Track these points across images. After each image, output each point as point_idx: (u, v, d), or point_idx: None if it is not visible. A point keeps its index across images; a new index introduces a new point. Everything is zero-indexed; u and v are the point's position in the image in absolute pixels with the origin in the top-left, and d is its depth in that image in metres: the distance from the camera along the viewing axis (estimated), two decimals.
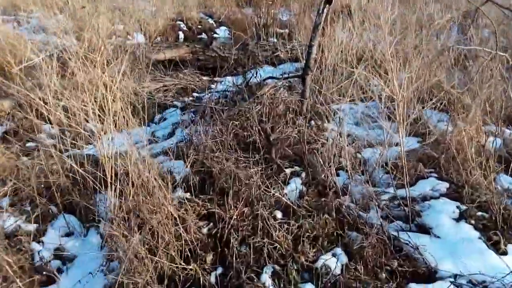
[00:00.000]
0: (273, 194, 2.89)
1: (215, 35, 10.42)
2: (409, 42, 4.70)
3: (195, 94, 5.27)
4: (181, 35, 9.97)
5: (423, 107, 4.46)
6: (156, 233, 2.34)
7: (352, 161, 3.46)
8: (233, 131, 3.57)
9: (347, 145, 3.71)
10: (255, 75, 4.69)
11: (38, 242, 2.81)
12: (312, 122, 4.28)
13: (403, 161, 2.93)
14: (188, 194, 2.94)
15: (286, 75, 4.66)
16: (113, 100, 2.74)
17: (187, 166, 3.31)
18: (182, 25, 9.96)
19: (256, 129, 3.75)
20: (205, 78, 5.74)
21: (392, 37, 4.84)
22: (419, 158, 3.39)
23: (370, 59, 5.44)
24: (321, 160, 3.51)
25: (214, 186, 3.02)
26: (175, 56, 5.63)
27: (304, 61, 4.62)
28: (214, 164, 3.15)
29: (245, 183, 2.99)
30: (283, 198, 2.88)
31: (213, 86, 5.56)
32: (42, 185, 3.08)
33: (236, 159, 3.31)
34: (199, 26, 10.17)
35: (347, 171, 3.40)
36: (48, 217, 2.97)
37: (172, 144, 3.78)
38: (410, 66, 4.15)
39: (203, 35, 10.26)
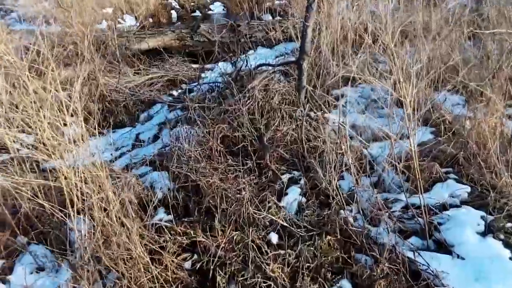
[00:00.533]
0: (266, 215, 2.49)
1: (209, 12, 9.84)
2: (417, 15, 4.16)
3: (184, 86, 4.81)
4: (174, 14, 9.40)
5: (435, 88, 3.98)
6: (127, 279, 1.97)
7: (357, 161, 3.04)
8: (221, 134, 3.14)
9: (351, 140, 3.28)
10: (246, 63, 4.21)
11: (4, 282, 2.46)
12: (312, 114, 3.83)
13: (415, 163, 2.50)
14: (171, 216, 2.55)
15: (279, 62, 4.17)
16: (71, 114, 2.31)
17: (170, 180, 2.92)
18: (174, 3, 9.35)
19: (248, 129, 3.32)
20: (194, 66, 5.27)
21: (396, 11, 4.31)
22: (434, 156, 2.94)
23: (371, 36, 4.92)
24: (322, 162, 3.11)
25: (200, 204, 2.62)
26: (159, 45, 5.14)
27: (299, 44, 4.13)
28: (200, 177, 2.75)
29: (235, 200, 2.59)
30: (278, 220, 2.47)
31: (203, 74, 5.10)
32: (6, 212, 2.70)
33: (225, 168, 2.90)
34: (192, 3, 9.54)
35: (352, 173, 2.99)
36: (14, 251, 2.61)
37: (155, 151, 3.38)
38: (419, 43, 3.65)
39: (197, 13, 9.66)
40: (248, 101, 3.62)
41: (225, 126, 3.17)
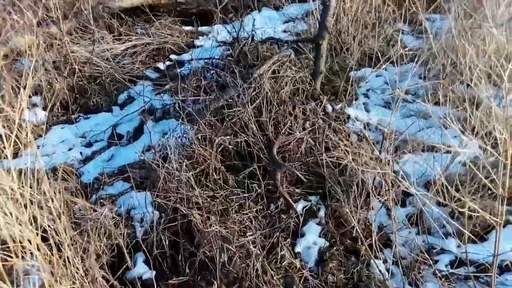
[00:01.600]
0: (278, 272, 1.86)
1: None
2: None
3: (173, 57, 3.97)
4: None
5: None
6: None
7: (390, 186, 2.38)
8: (221, 147, 2.43)
9: (385, 160, 2.60)
10: (250, 38, 3.37)
11: None
12: (329, 107, 3.09)
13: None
14: (153, 272, 1.91)
15: (294, 39, 3.35)
16: None
17: (154, 207, 2.25)
18: None
19: (254, 134, 2.60)
20: (187, 28, 4.37)
21: None
22: None
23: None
24: (345, 184, 2.45)
25: (193, 256, 1.98)
26: (145, 2, 4.20)
27: (319, 16, 3.29)
28: (193, 211, 2.08)
29: (239, 248, 1.95)
30: (295, 277, 1.86)
31: (198, 42, 4.23)
32: None
33: (225, 197, 2.23)
34: None
35: (386, 206, 2.35)
36: None
37: (136, 158, 2.65)
38: None
39: None
40: (254, 92, 2.86)
41: (226, 138, 2.44)
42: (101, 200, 2.30)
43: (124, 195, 2.39)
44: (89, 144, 2.98)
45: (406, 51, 3.60)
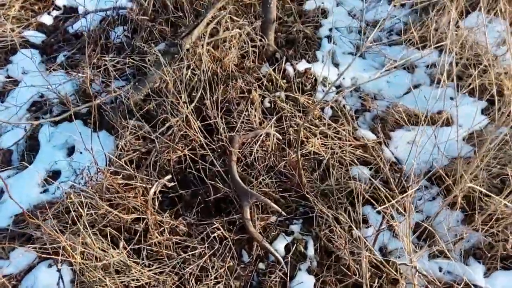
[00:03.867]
0: None
1: None
2: None
3: (60, 3, 2.75)
4: None
5: None
6: None
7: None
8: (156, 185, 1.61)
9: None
10: None
11: None
12: (290, 69, 2.27)
13: None
14: None
15: None
16: None
17: None
18: None
19: (200, 147, 1.78)
20: None
21: None
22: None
23: None
24: (331, 194, 1.80)
25: None
26: None
27: None
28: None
29: None
30: None
31: None
32: None
33: (177, 267, 1.51)
34: None
35: (379, 212, 1.76)
36: None
37: (39, 196, 1.77)
38: None
39: None
40: (187, 71, 1.94)
41: (165, 179, 1.60)
42: None
43: (29, 274, 1.59)
44: None
45: None
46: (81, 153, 1.83)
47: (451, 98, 2.12)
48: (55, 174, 1.86)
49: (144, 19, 2.10)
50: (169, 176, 1.62)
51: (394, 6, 2.66)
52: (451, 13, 2.14)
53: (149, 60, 1.85)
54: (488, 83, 2.08)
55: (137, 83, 1.89)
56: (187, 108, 1.73)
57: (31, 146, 2.06)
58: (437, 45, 2.27)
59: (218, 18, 2.05)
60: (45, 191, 1.83)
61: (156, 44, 2.16)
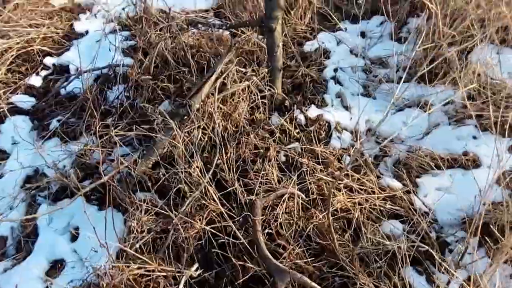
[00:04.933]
0: None
1: None
2: None
3: (49, 62, 2.57)
4: None
5: None
6: None
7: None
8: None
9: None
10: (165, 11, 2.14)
11: None
12: (301, 117, 2.12)
13: None
14: None
15: (233, 23, 2.17)
16: None
17: None
18: None
19: (221, 218, 1.59)
20: (58, 1, 2.89)
21: None
22: None
23: None
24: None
25: None
26: None
27: None
28: None
29: None
30: None
31: (79, 24, 2.82)
32: None
33: None
34: None
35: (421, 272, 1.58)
36: None
37: None
38: None
39: None
40: (198, 133, 1.77)
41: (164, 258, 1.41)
42: None
43: None
44: None
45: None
46: (88, 237, 1.62)
47: (474, 137, 1.99)
48: (58, 263, 1.63)
49: (146, 78, 1.93)
50: (196, 266, 1.42)
51: (398, 42, 2.57)
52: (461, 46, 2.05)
53: (157, 125, 1.66)
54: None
55: (144, 151, 1.70)
56: (204, 176, 1.55)
57: (29, 230, 1.83)
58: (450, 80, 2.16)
59: (226, 72, 1.90)
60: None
61: (160, 103, 1.99)
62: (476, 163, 1.89)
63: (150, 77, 1.94)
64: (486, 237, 1.66)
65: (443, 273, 1.62)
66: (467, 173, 1.84)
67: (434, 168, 1.91)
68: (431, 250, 1.58)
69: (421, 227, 1.71)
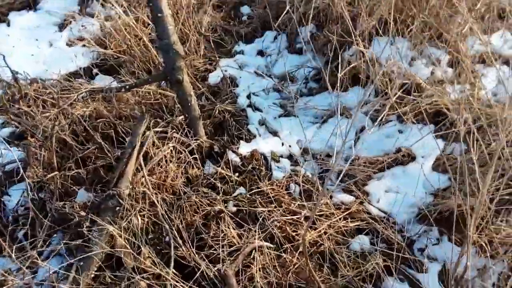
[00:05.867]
0: None
1: None
2: None
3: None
4: None
5: None
6: None
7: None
8: None
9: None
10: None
11: None
12: (232, 156, 1.99)
13: None
14: None
15: (132, 83, 1.92)
16: None
17: None
18: None
19: None
20: None
21: None
22: None
23: None
24: None
25: None
26: None
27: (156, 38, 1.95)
28: None
29: None
30: None
31: None
32: None
33: None
34: None
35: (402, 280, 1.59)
36: None
37: None
38: None
39: None
40: (136, 219, 1.53)
41: None
42: None
43: None
44: None
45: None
46: None
47: (400, 131, 2.07)
48: None
49: (53, 175, 1.61)
50: None
51: (297, 54, 2.58)
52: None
53: (89, 232, 1.39)
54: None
55: (81, 263, 1.41)
56: (167, 274, 1.34)
57: None
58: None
59: (145, 141, 1.67)
60: None
61: (75, 196, 1.69)
62: (411, 157, 1.97)
63: (57, 172, 1.62)
64: (445, 225, 1.74)
65: (421, 272, 1.66)
66: (406, 169, 1.91)
67: (377, 171, 1.95)
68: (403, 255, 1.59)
69: (386, 235, 1.73)
